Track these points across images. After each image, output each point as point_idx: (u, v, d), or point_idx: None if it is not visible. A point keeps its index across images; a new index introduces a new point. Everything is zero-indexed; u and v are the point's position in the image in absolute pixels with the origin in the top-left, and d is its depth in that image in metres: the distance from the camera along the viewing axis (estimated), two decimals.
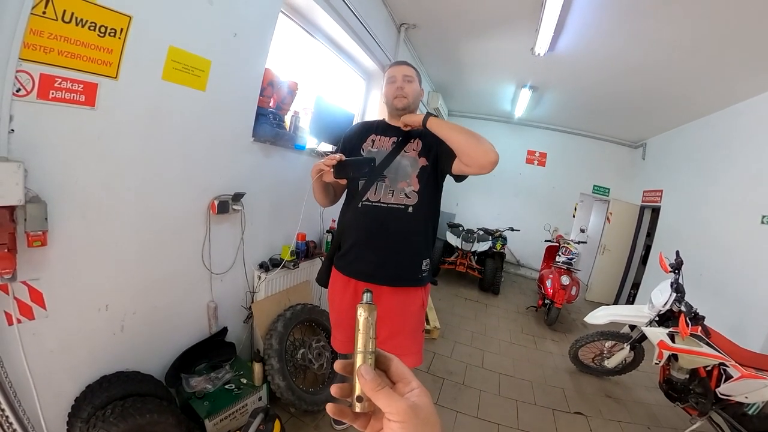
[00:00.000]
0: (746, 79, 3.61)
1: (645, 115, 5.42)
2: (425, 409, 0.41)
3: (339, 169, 1.38)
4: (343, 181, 1.52)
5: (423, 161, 1.64)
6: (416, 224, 1.63)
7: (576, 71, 4.38)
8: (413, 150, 1.66)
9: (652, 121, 5.64)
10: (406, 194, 1.61)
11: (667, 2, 2.72)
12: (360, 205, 1.62)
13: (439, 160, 1.63)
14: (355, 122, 3.04)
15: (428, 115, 1.56)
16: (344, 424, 2.20)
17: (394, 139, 1.68)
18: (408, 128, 1.67)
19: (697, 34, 3.05)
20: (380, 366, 0.47)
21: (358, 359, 0.45)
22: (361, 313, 0.46)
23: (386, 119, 1.80)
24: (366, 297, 0.48)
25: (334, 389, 0.47)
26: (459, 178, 1.65)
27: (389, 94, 1.69)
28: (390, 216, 1.60)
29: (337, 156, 1.41)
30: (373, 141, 1.70)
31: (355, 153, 1.69)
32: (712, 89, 4.05)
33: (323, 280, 1.82)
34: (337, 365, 0.48)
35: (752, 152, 3.80)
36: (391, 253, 1.61)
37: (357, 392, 0.44)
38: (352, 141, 1.75)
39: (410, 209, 1.60)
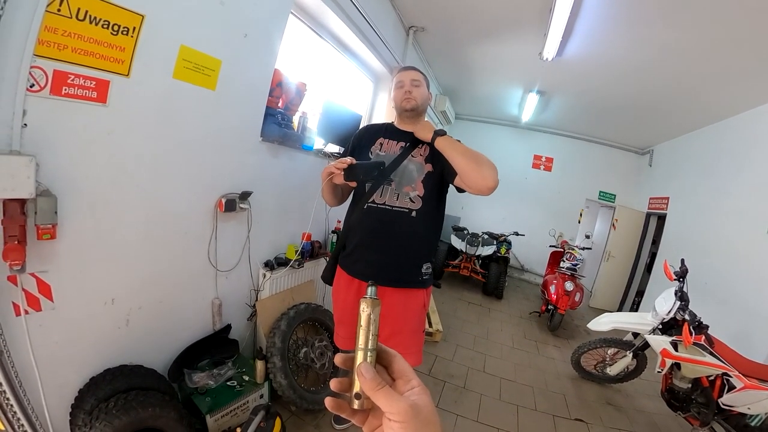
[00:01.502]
0: (755, 86, 3.58)
1: (652, 122, 5.39)
2: (425, 408, 0.41)
3: (349, 172, 1.40)
4: (353, 184, 1.54)
5: (429, 167, 1.67)
6: (419, 228, 1.66)
7: (584, 76, 4.36)
8: (420, 155, 1.69)
9: (659, 128, 5.61)
10: (410, 198, 1.64)
11: (676, 8, 2.71)
12: (366, 207, 1.66)
13: (444, 169, 1.65)
14: (362, 124, 3.06)
15: (437, 133, 1.58)
16: (345, 423, 2.21)
17: (402, 143, 1.71)
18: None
19: (706, 40, 3.02)
20: (381, 362, 0.47)
21: (359, 356, 0.45)
22: (364, 309, 0.46)
23: (395, 122, 1.82)
24: (370, 291, 0.47)
25: (333, 383, 0.47)
26: (460, 190, 1.67)
27: (398, 98, 1.73)
28: (394, 219, 1.63)
29: (348, 159, 1.42)
30: (381, 144, 1.74)
31: (364, 155, 1.71)
32: (721, 96, 4.01)
33: (328, 278, 1.86)
34: (338, 359, 0.48)
35: (760, 161, 3.76)
36: (392, 255, 1.65)
37: (356, 389, 0.44)
38: (360, 143, 1.78)
39: (414, 213, 1.64)
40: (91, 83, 1.34)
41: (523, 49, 3.92)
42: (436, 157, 1.65)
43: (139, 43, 1.45)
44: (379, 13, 3.26)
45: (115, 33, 1.37)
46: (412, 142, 1.69)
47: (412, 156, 1.68)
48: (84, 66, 1.31)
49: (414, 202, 1.64)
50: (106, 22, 1.33)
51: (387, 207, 1.63)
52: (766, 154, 3.73)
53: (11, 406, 1.26)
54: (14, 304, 1.28)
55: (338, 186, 1.64)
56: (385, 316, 1.60)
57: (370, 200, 1.65)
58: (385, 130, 1.79)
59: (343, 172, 1.41)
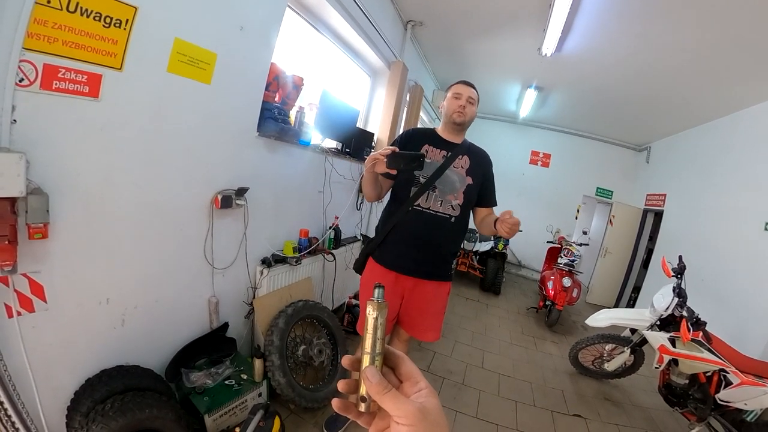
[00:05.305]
0: (753, 85, 3.58)
1: (650, 119, 5.39)
2: (433, 411, 0.41)
3: (392, 159, 1.49)
4: (394, 171, 1.66)
5: (469, 180, 1.87)
6: (455, 232, 1.89)
7: (582, 72, 4.35)
8: (462, 167, 1.88)
9: (657, 125, 5.61)
10: (452, 206, 1.84)
11: (675, 6, 2.70)
12: (411, 209, 1.82)
13: (481, 189, 1.91)
14: (359, 119, 3.02)
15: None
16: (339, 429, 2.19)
17: (444, 152, 1.87)
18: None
19: (705, 39, 3.01)
20: (389, 363, 0.47)
21: (365, 360, 0.44)
22: (370, 312, 0.45)
23: (437, 130, 1.96)
24: (377, 293, 0.46)
25: (341, 384, 0.47)
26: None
27: (451, 107, 1.87)
28: (437, 223, 1.83)
29: (391, 148, 1.53)
30: (427, 151, 1.88)
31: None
32: (719, 94, 4.01)
33: (359, 269, 2.04)
34: (345, 361, 0.48)
35: (757, 159, 3.77)
36: (431, 254, 1.86)
37: (362, 392, 0.44)
38: (411, 144, 1.91)
39: (453, 219, 1.85)
40: (82, 77, 1.31)
41: (522, 44, 3.90)
42: (476, 171, 1.88)
43: (132, 35, 1.41)
44: (377, 7, 3.22)
45: (107, 25, 1.33)
46: (453, 152, 1.87)
47: (454, 167, 1.86)
48: (75, 59, 1.28)
49: (454, 210, 1.84)
50: (98, 14, 1.29)
51: (431, 212, 1.82)
52: (763, 151, 3.73)
53: (6, 409, 1.23)
54: (6, 305, 1.24)
55: (378, 179, 1.77)
56: (422, 298, 1.94)
57: (416, 204, 1.81)
58: (431, 137, 1.92)
59: (386, 159, 1.50)
